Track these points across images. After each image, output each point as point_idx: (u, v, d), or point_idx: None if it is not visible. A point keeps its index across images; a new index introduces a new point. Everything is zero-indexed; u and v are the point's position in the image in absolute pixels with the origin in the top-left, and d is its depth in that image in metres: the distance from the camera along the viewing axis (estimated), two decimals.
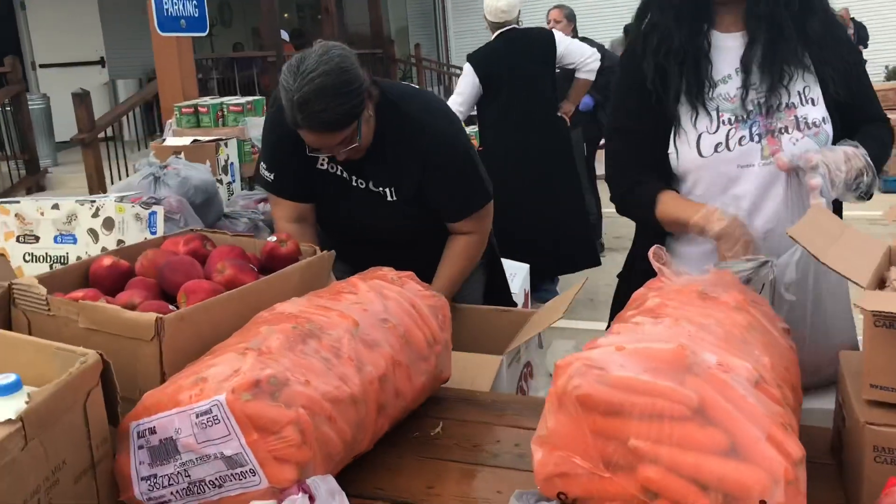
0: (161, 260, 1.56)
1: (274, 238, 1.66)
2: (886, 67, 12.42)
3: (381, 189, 2.03)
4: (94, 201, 1.89)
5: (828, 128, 1.63)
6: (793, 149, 1.60)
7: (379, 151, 1.97)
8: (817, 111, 1.62)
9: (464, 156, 2.04)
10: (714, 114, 1.61)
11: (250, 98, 3.08)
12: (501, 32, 4.50)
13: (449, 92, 13.85)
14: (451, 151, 2.02)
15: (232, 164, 2.70)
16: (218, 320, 1.42)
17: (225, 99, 3.07)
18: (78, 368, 1.12)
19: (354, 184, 2.05)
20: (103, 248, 1.87)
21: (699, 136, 1.62)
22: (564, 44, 4.46)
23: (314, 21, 14.88)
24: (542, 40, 4.51)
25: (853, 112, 1.66)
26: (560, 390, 1.04)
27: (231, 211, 2.35)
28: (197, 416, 1.11)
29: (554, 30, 4.56)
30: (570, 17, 5.39)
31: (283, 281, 1.58)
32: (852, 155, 1.50)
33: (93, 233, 1.88)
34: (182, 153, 2.49)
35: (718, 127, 1.61)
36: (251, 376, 1.13)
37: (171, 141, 2.71)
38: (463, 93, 4.45)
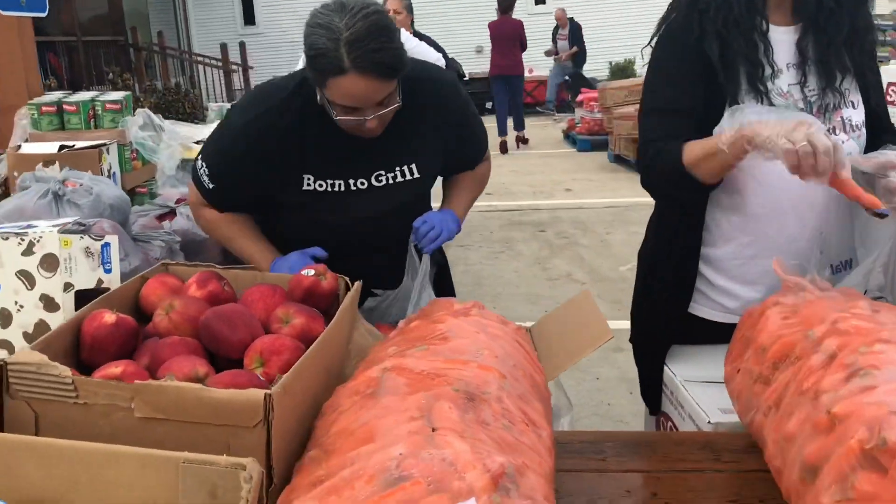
0: (194, 310, 1.19)
1: (310, 272, 1.33)
2: (610, 63, 13.56)
3: (402, 168, 1.77)
4: (23, 233, 1.41)
5: (864, 132, 1.62)
6: (848, 150, 1.57)
7: (393, 125, 1.70)
8: (859, 114, 1.61)
9: (465, 94, 1.90)
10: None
11: (124, 93, 2.51)
12: None
13: (193, 82, 13.18)
14: (459, 94, 1.86)
15: (115, 173, 2.19)
16: (308, 385, 1.10)
17: (98, 94, 2.49)
18: (249, 492, 0.78)
19: (374, 183, 1.76)
20: (43, 296, 1.40)
21: None
22: (409, 44, 4.28)
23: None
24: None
25: (876, 121, 1.67)
26: (866, 444, 0.89)
27: (137, 233, 1.90)
28: None
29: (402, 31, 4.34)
30: (409, 8, 5.19)
31: (343, 326, 1.27)
32: None
33: (25, 276, 1.40)
34: (56, 163, 1.97)
35: None
36: (485, 470, 0.86)
37: (30, 147, 2.15)
38: None
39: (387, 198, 1.75)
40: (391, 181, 1.75)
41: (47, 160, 2.01)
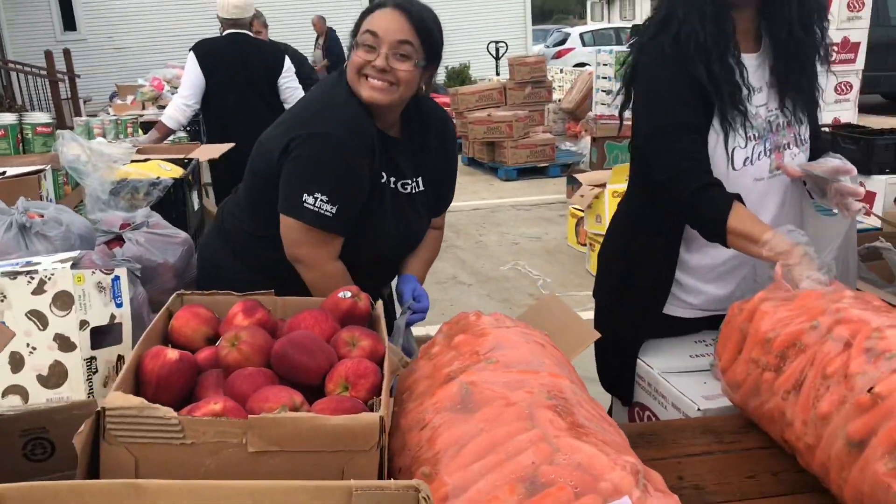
0: (262, 340, 1.18)
1: (347, 294, 1.36)
2: (447, 68, 13.83)
3: (420, 179, 1.90)
4: (31, 272, 1.33)
5: (810, 144, 1.84)
6: (795, 161, 1.78)
7: (407, 137, 1.86)
8: (806, 129, 1.82)
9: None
10: (744, 130, 1.71)
11: (50, 115, 2.31)
12: (230, 33, 4.16)
13: (7, 88, 12.20)
14: (455, 134, 2.01)
15: (51, 200, 2.04)
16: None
17: (23, 117, 2.29)
18: None
19: (404, 190, 1.87)
20: (57, 336, 1.32)
21: (733, 150, 1.71)
22: (286, 80, 4.23)
23: None
24: (270, 55, 4.25)
25: (814, 131, 1.89)
26: None
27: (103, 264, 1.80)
28: None
29: (288, 60, 4.26)
30: (265, 24, 5.13)
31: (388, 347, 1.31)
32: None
33: (37, 316, 1.32)
34: None
35: (747, 142, 1.72)
36: (623, 468, 0.94)
37: None
38: (190, 85, 4.06)
39: (412, 207, 1.86)
40: (414, 190, 1.86)
41: None
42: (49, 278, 1.33)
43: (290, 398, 1.06)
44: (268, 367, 1.18)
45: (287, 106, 4.15)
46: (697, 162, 1.67)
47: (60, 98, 12.84)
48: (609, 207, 5.00)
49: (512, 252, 5.87)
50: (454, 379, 1.17)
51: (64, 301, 1.33)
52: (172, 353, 1.14)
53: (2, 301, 1.32)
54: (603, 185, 5.04)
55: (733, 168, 1.72)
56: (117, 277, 1.42)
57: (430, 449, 1.07)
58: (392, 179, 1.83)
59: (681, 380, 1.78)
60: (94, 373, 1.38)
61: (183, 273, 2.18)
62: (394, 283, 2.02)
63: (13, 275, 1.32)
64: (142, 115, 5.53)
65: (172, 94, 6.72)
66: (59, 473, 1.11)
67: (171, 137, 4.25)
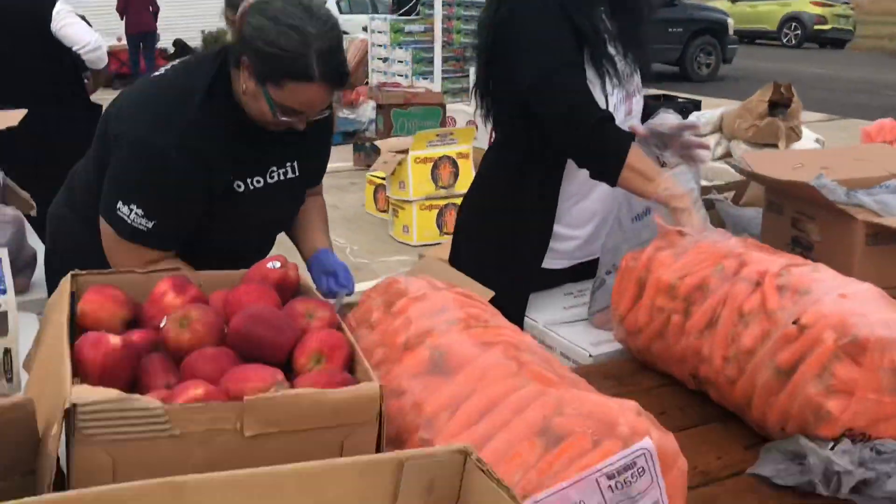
0: (214, 319, 1.07)
1: (277, 264, 1.27)
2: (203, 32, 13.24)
3: (290, 164, 1.73)
4: None
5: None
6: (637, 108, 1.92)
7: None
8: (639, 77, 1.95)
9: None
10: (612, 77, 1.80)
11: None
12: None
13: None
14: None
15: None
16: None
17: None
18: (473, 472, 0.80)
19: (271, 180, 1.67)
20: None
21: (607, 96, 1.79)
22: (60, 23, 3.71)
23: None
24: (25, 12, 3.70)
25: None
26: (840, 342, 1.18)
27: None
28: (611, 478, 0.92)
29: (60, 2, 3.72)
30: None
31: None
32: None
33: None
34: None
35: (614, 89, 1.81)
36: (632, 412, 0.97)
37: None
38: None
39: (276, 197, 1.71)
40: (282, 178, 1.69)
41: None
42: None
43: (274, 376, 0.98)
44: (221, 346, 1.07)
45: (77, 48, 3.66)
46: (590, 97, 1.73)
47: None
48: (412, 174, 5.06)
49: None
50: (420, 344, 1.14)
51: None
52: (114, 339, 1.01)
53: None
54: (405, 152, 5.08)
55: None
56: None
57: (419, 415, 1.05)
58: (250, 181, 1.66)
59: (564, 330, 1.86)
60: None
61: (15, 256, 1.93)
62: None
63: None
64: None
65: None
66: None
67: None
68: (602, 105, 1.78)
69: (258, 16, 1.47)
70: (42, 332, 1.18)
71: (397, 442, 1.05)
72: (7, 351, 1.24)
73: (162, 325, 1.08)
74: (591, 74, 1.78)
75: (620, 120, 1.86)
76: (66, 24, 3.66)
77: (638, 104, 1.95)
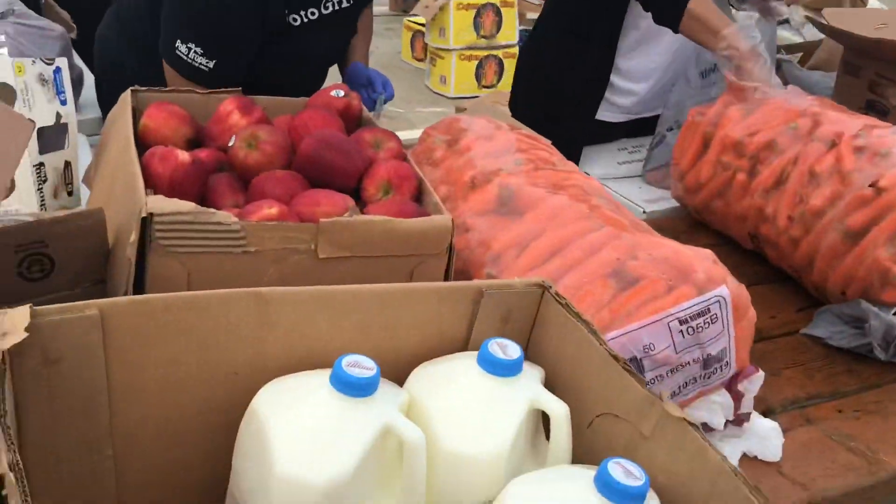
0: (283, 141, 1.05)
1: (340, 92, 1.23)
2: None
3: None
4: None
5: None
6: None
7: None
8: None
9: None
10: None
11: None
12: None
13: None
14: None
15: None
16: None
17: None
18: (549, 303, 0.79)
19: (325, 10, 1.58)
20: None
21: None
22: None
23: None
24: None
25: None
26: None
27: None
28: (683, 322, 0.91)
29: None
30: None
31: None
32: None
33: None
34: None
35: None
36: (708, 260, 0.95)
37: None
38: None
39: (334, 25, 1.63)
40: (336, 7, 1.61)
41: None
42: None
43: (345, 202, 0.97)
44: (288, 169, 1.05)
45: None
46: None
47: None
48: (454, 20, 4.88)
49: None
50: (489, 182, 1.12)
51: (5, 96, 1.11)
52: (183, 155, 0.99)
53: None
54: None
55: None
56: (59, 69, 1.19)
57: (486, 251, 1.04)
58: (304, 13, 1.57)
59: (618, 185, 1.83)
60: (44, 181, 1.18)
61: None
62: None
63: None
64: None
65: None
66: (61, 293, 0.96)
67: None
68: None
69: None
70: (104, 147, 1.16)
71: (463, 276, 1.04)
72: (67, 164, 1.24)
73: (230, 144, 1.06)
74: None
75: None
76: None
77: None
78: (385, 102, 1.72)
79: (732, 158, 1.45)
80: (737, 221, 1.47)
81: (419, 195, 1.06)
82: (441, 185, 1.19)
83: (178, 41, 1.47)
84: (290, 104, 1.26)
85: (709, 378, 0.96)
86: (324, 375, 0.68)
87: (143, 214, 0.84)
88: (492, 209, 1.08)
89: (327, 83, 1.81)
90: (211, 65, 1.48)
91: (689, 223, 1.65)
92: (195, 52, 1.47)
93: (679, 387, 0.95)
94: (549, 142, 1.32)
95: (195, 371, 0.71)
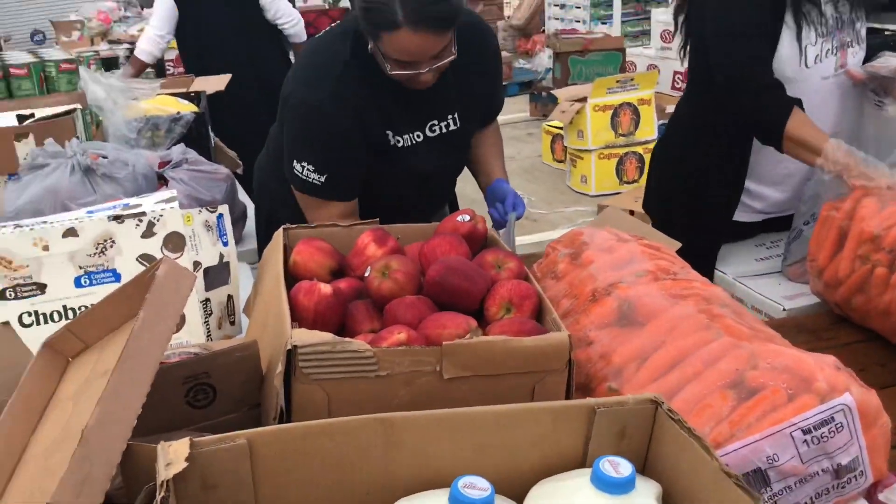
0: (413, 269, 1.15)
1: (466, 217, 1.32)
2: None
3: (452, 117, 1.76)
4: (140, 214, 1.25)
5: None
6: (856, 59, 1.78)
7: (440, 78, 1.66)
8: (863, 26, 1.82)
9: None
10: (816, 26, 1.70)
11: (72, 50, 2.14)
12: None
13: None
14: (495, 38, 1.86)
15: (81, 141, 1.92)
16: None
17: (46, 52, 2.10)
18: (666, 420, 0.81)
19: (432, 133, 1.73)
20: None
21: (806, 47, 1.69)
22: None
23: None
24: None
25: None
26: None
27: None
28: (806, 432, 0.90)
29: None
30: None
31: None
32: None
33: (149, 260, 1.25)
34: (31, 135, 1.72)
35: (817, 39, 1.71)
36: (831, 367, 0.95)
37: None
38: (163, 17, 3.87)
39: (439, 149, 1.76)
40: (443, 130, 1.74)
41: (20, 133, 1.76)
42: (158, 220, 1.26)
43: (468, 324, 1.04)
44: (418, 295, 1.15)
45: (282, 23, 3.97)
46: (762, 64, 1.67)
47: None
48: (591, 122, 4.99)
49: None
50: (608, 295, 1.16)
51: (176, 243, 1.27)
52: (326, 288, 1.10)
53: (111, 247, 1.25)
54: (583, 100, 5.01)
55: (805, 65, 1.71)
56: (221, 215, 1.36)
57: (606, 365, 1.07)
58: (409, 136, 1.72)
59: (756, 283, 1.80)
60: (210, 315, 1.33)
61: (229, 210, 2.11)
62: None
63: (119, 219, 1.25)
64: (97, 52, 5.25)
65: (118, 28, 6.39)
66: (222, 418, 1.08)
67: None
68: (795, 58, 1.69)
69: None
70: (260, 281, 1.30)
71: (585, 389, 1.08)
72: (230, 297, 1.39)
73: (366, 274, 1.16)
74: (788, 19, 1.69)
75: (830, 73, 1.76)
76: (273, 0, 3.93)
77: (856, 56, 1.82)
78: (517, 219, 1.81)
79: (870, 252, 1.42)
80: (880, 317, 1.42)
81: (540, 312, 1.12)
82: (564, 298, 1.24)
83: (295, 160, 1.67)
84: (421, 230, 1.36)
85: (843, 488, 0.94)
86: (443, 496, 0.73)
87: (289, 347, 0.95)
88: (612, 322, 1.12)
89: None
90: (322, 179, 1.65)
91: (831, 319, 1.60)
92: (308, 169, 1.65)
93: (811, 497, 0.93)
94: (672, 251, 1.35)
95: (331, 492, 0.79)
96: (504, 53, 9.09)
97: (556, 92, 5.58)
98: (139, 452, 0.80)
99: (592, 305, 1.17)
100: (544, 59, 8.79)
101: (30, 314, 1.23)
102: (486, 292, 1.13)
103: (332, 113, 1.61)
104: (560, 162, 5.70)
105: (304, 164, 1.66)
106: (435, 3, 1.49)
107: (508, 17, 10.91)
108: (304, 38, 4.12)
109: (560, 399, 1.01)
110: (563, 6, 8.92)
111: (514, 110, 7.87)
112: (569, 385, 1.02)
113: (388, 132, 1.68)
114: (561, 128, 5.41)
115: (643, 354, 1.05)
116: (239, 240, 2.23)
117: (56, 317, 1.24)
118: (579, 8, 8.52)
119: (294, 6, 4.16)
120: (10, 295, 1.22)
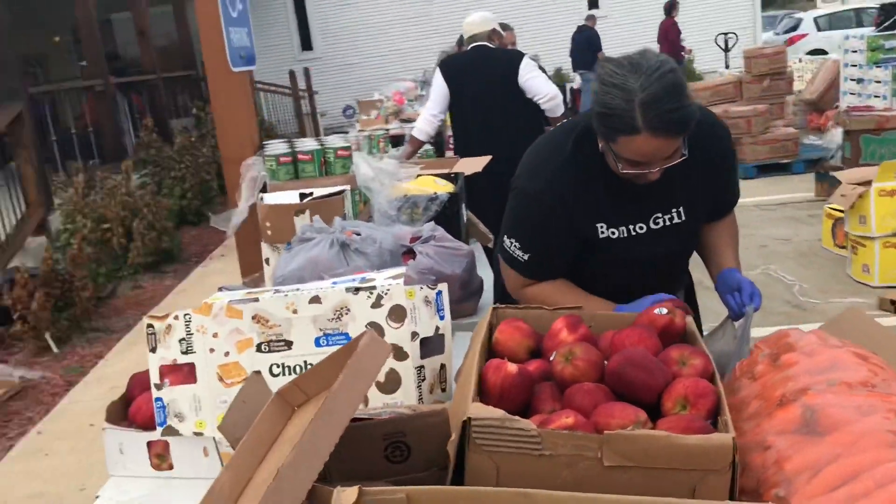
0: (595, 357, 1.23)
1: (664, 310, 1.37)
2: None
3: (677, 210, 1.82)
4: (371, 288, 1.48)
5: None
6: None
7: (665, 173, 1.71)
8: None
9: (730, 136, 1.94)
10: None
11: (349, 138, 2.61)
12: (472, 47, 4.37)
13: (256, 109, 13.13)
14: (728, 137, 1.90)
15: (348, 218, 2.27)
16: None
17: (328, 140, 2.57)
18: None
19: (655, 226, 1.81)
20: (393, 346, 1.46)
21: None
22: (525, 76, 4.26)
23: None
24: (505, 62, 4.34)
25: None
26: None
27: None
28: None
29: (526, 59, 4.34)
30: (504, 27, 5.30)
31: None
32: None
33: (375, 328, 1.47)
34: (307, 211, 2.05)
35: None
36: None
37: (273, 198, 2.22)
38: (435, 99, 4.32)
39: (662, 240, 1.81)
40: (667, 223, 1.80)
41: (299, 210, 2.09)
42: (386, 293, 1.46)
43: (636, 415, 1.09)
44: (599, 383, 1.22)
45: (538, 99, 4.24)
46: None
47: (302, 113, 13.89)
48: (875, 208, 4.63)
49: (761, 255, 5.57)
50: (794, 401, 1.15)
51: (398, 314, 1.46)
52: (512, 367, 1.22)
53: (346, 314, 1.46)
54: (867, 184, 4.66)
55: None
56: (440, 292, 1.53)
57: (778, 472, 1.06)
58: (631, 227, 1.80)
59: None
60: (423, 380, 1.49)
61: (467, 283, 2.30)
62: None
63: (354, 290, 1.46)
64: (387, 130, 5.86)
65: (409, 108, 7.08)
66: (416, 474, 1.22)
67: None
68: None
69: (596, 82, 1.62)
70: (469, 352, 1.45)
71: (755, 494, 1.07)
72: (443, 366, 1.54)
73: (552, 358, 1.26)
74: None
75: None
76: (531, 77, 4.22)
77: None
78: (755, 311, 1.79)
79: None
80: None
81: (716, 412, 1.14)
82: (755, 399, 1.24)
83: (506, 236, 1.86)
84: (619, 319, 1.43)
85: None
86: None
87: (464, 418, 1.07)
88: (793, 429, 1.11)
89: None
90: (525, 257, 1.83)
91: None
92: (515, 245, 1.84)
93: None
94: (882, 360, 1.28)
95: None
96: (790, 130, 8.69)
97: (838, 174, 5.24)
98: (321, 493, 0.96)
99: (778, 410, 1.16)
100: (837, 136, 8.26)
101: (278, 366, 1.48)
102: (665, 387, 1.17)
103: (542, 205, 1.78)
104: (842, 248, 5.31)
105: (513, 240, 1.84)
106: (674, 111, 1.56)
107: (800, 92, 10.41)
108: (560, 112, 4.31)
109: (723, 500, 1.03)
110: (860, 81, 8.34)
111: (797, 189, 7.47)
112: (732, 487, 1.03)
113: (601, 225, 1.77)
114: (843, 211, 5.06)
115: (817, 466, 1.03)
116: (475, 312, 2.41)
117: (298, 370, 1.47)
118: (878, 82, 7.92)
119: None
120: (265, 349, 1.47)
